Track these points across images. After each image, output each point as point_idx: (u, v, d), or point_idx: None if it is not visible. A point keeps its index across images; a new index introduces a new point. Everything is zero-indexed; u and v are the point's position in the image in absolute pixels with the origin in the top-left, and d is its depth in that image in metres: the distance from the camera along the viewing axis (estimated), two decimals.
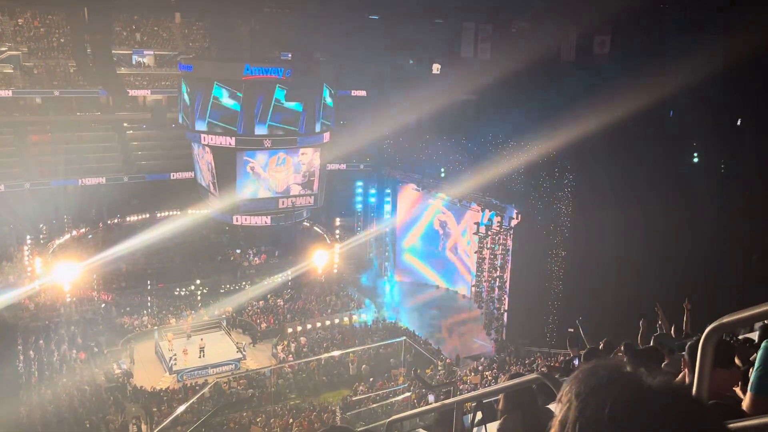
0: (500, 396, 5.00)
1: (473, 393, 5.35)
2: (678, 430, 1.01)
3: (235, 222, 34.53)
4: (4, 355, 28.25)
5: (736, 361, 4.02)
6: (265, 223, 34.36)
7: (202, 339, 31.23)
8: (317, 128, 33.28)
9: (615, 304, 28.17)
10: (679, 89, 27.62)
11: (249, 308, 35.42)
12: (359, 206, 41.88)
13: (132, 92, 40.24)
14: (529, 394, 4.78)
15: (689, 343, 4.38)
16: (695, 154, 35.07)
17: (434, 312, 37.80)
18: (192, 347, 30.63)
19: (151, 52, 42.08)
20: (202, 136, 32.24)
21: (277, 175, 33.62)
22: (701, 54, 26.08)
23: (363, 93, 42.43)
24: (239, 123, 31.56)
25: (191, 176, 38.13)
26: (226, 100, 31.42)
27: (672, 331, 10.05)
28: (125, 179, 37.83)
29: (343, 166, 40.43)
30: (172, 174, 38.79)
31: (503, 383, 4.93)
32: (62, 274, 31.17)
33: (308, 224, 40.43)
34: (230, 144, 31.94)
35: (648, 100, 27.32)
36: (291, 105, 31.99)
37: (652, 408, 1.04)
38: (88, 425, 24.35)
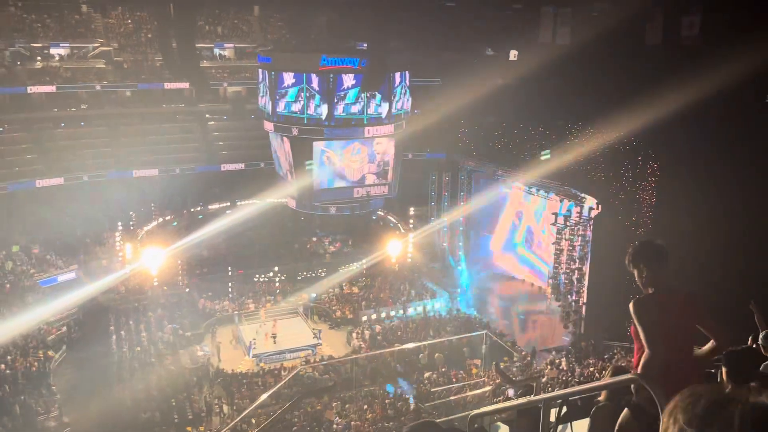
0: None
1: (562, 391, 5.23)
2: None
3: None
4: (99, 335, 30.05)
5: None
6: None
7: (275, 325, 31.96)
8: (392, 117, 33.37)
9: (705, 299, 26.80)
10: None
11: (325, 296, 36.11)
12: (433, 195, 41.71)
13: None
14: (625, 390, 4.63)
15: (728, 351, 4.02)
16: None
17: (510, 303, 37.28)
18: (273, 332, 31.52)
19: (232, 45, 43.35)
20: (280, 126, 32.98)
21: (352, 164, 34.00)
22: None
23: (438, 81, 42.13)
24: (316, 112, 32.06)
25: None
26: (304, 91, 31.97)
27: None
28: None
29: (418, 155, 40.34)
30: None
31: (594, 383, 4.79)
32: (149, 259, 32.75)
33: (382, 213, 40.68)
34: (307, 134, 32.54)
35: (742, 85, 25.72)
36: (367, 94, 32.20)
37: None
38: (174, 403, 25.59)
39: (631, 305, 4.14)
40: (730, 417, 1.05)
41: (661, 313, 4.03)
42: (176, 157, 39.00)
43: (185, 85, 40.04)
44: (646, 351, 4.03)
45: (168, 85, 39.97)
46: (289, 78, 32.12)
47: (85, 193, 35.89)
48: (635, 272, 4.27)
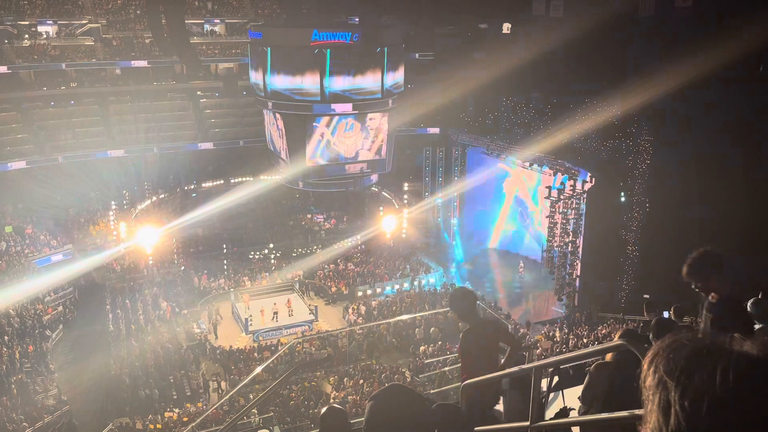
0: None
1: (553, 358, 5.33)
2: None
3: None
4: (95, 313, 30.16)
5: None
6: None
7: (275, 303, 31.99)
8: (384, 93, 33.14)
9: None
10: None
11: (320, 272, 36.22)
12: (427, 171, 41.66)
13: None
14: (624, 353, 4.71)
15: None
16: None
17: (504, 277, 37.52)
18: (268, 308, 31.62)
19: (222, 21, 42.78)
20: (273, 102, 32.75)
21: (345, 140, 33.83)
22: None
23: (431, 56, 41.76)
24: (308, 88, 31.82)
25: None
26: (295, 66, 31.70)
27: None
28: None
29: (411, 131, 40.17)
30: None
31: (584, 350, 4.88)
32: (144, 238, 32.67)
33: (377, 189, 40.63)
34: (298, 110, 32.33)
35: (735, 56, 25.63)
36: (358, 69, 31.95)
37: (764, 370, 0.99)
38: (172, 380, 25.79)
39: (461, 336, 5.61)
40: (713, 368, 1.00)
41: (477, 341, 5.52)
42: (165, 135, 38.56)
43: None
44: (470, 370, 5.44)
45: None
46: (280, 53, 31.80)
47: (76, 172, 35.62)
48: (455, 313, 5.66)
